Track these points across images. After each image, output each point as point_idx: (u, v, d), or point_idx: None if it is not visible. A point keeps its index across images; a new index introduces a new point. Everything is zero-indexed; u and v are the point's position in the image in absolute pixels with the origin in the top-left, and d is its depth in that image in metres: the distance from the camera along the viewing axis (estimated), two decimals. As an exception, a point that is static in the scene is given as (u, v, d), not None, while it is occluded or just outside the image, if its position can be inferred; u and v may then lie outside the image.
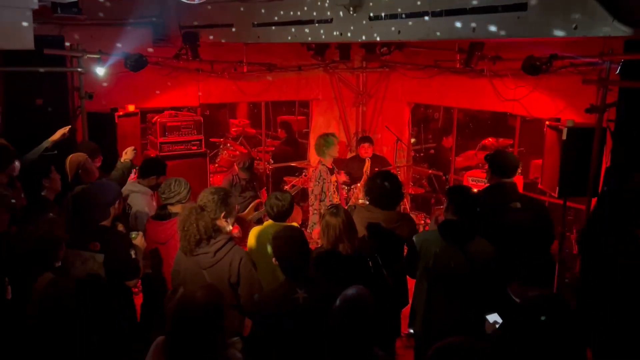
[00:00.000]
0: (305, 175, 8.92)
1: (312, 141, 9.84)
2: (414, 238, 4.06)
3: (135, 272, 3.89)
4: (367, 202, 4.47)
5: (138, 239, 4.03)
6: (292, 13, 5.46)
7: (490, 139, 9.48)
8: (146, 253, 4.22)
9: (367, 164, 7.48)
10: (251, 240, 4.41)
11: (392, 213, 4.35)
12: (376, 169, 6.55)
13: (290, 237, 3.36)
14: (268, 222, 4.50)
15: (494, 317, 3.20)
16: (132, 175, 5.53)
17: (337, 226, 3.76)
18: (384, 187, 4.30)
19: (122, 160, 5.39)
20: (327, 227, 3.79)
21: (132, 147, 5.48)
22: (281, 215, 4.38)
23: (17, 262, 3.18)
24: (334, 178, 6.79)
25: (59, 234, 3.32)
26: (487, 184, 4.75)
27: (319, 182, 6.61)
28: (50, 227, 3.24)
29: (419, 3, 4.20)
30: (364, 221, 4.22)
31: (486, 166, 4.88)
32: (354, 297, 2.68)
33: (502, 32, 3.63)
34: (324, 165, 6.73)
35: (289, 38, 5.63)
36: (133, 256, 3.81)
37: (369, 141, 7.79)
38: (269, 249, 3.48)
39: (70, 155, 5.05)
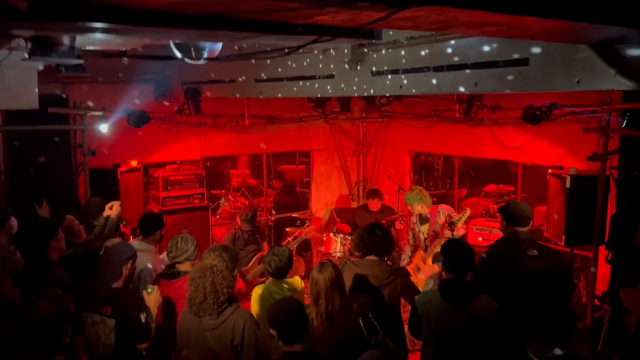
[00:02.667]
0: (308, 226, 8.85)
1: (314, 191, 9.88)
2: (415, 300, 3.97)
3: (145, 336, 3.79)
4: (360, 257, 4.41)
5: (153, 294, 3.91)
6: (294, 67, 5.53)
7: (492, 186, 9.48)
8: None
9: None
10: (254, 305, 4.29)
11: (383, 267, 4.28)
12: (383, 221, 6.50)
13: (286, 310, 3.25)
14: (268, 280, 4.38)
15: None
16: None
17: (319, 283, 3.64)
18: (367, 237, 4.32)
19: (106, 215, 5.26)
20: (311, 283, 3.69)
21: (118, 202, 5.41)
22: (280, 271, 4.27)
23: (26, 345, 3.03)
24: (424, 228, 6.69)
25: (67, 310, 3.12)
26: (501, 234, 4.72)
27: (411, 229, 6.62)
28: (58, 305, 3.04)
29: (420, 58, 4.26)
30: (353, 277, 4.15)
31: (499, 217, 4.86)
32: None
33: (504, 87, 3.66)
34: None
35: (291, 93, 5.69)
36: (143, 321, 3.70)
37: (378, 197, 7.69)
38: None
39: None
